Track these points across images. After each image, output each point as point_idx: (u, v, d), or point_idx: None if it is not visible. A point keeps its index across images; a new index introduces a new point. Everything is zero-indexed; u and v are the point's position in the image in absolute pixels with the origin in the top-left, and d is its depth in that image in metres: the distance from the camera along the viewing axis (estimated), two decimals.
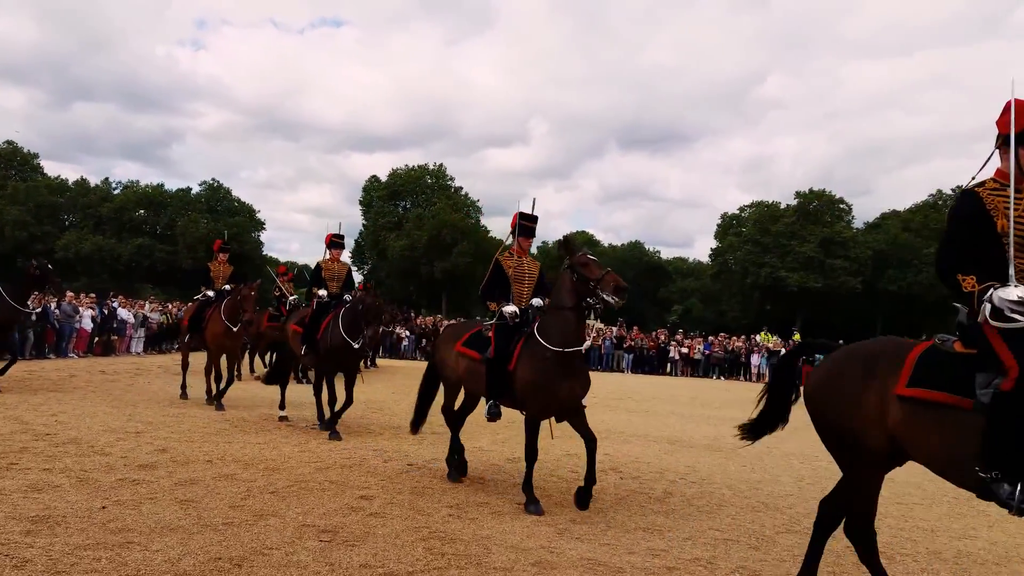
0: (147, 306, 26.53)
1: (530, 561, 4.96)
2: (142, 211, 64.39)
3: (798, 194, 59.91)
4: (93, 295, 24.75)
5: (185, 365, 13.10)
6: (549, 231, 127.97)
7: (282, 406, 10.86)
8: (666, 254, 75.26)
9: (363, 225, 65.62)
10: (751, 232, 59.72)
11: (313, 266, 11.20)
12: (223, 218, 62.91)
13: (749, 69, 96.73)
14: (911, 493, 8.45)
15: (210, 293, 12.78)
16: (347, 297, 10.24)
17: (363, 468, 7.72)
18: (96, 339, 22.09)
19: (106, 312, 22.80)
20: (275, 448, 8.46)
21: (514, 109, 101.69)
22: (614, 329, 36.31)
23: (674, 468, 9.01)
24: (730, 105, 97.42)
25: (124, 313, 23.76)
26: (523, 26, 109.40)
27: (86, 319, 21.48)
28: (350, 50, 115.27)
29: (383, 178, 66.23)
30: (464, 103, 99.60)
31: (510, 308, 6.98)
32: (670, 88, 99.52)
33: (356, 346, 9.51)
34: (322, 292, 10.34)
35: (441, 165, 66.36)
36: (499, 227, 72.98)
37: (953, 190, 57.96)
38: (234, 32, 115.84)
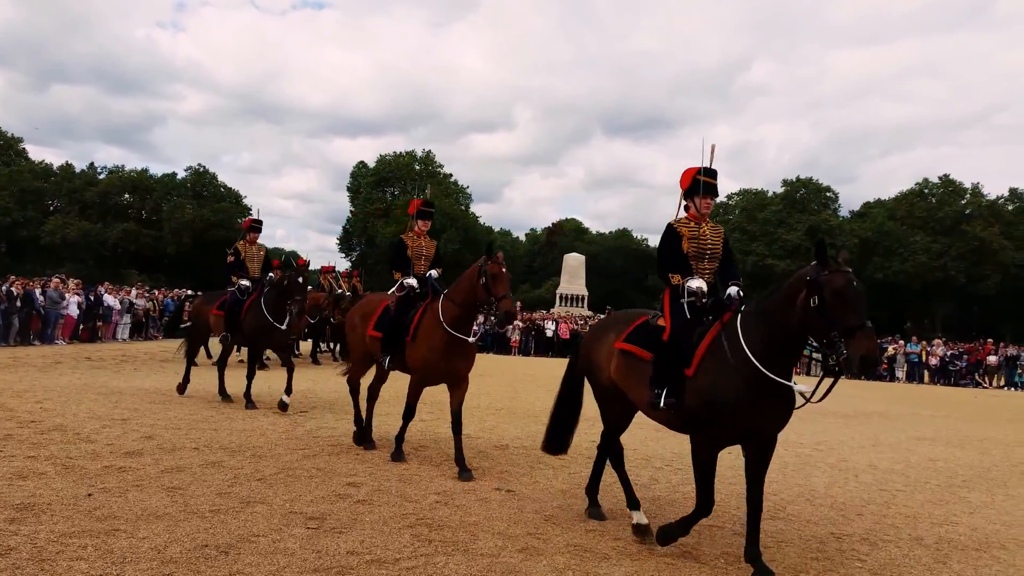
0: (132, 292, 26.36)
1: (517, 547, 5.00)
2: (127, 195, 63.93)
3: (785, 182, 60.16)
4: (79, 281, 24.57)
5: (366, 394, 8.67)
6: (537, 218, 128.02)
7: (634, 508, 5.90)
8: (653, 241, 75.28)
9: (351, 211, 65.45)
10: (738, 219, 59.96)
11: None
12: (209, 204, 62.57)
13: (734, 56, 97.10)
14: (894, 481, 8.55)
15: (411, 281, 8.06)
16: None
17: (350, 455, 7.72)
18: (81, 327, 21.93)
19: (92, 298, 22.65)
20: (262, 435, 8.45)
21: (498, 94, 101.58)
22: (602, 317, 36.39)
23: (660, 455, 9.06)
24: (715, 92, 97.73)
25: (110, 299, 23.60)
26: (507, 11, 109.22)
27: (72, 305, 21.33)
28: (332, 33, 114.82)
29: (371, 164, 66.06)
30: (448, 88, 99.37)
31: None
32: (655, 74, 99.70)
33: (792, 390, 4.90)
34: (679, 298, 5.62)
35: (430, 152, 66.34)
36: (486, 213, 73.13)
37: (940, 178, 58.41)
38: (214, 13, 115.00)
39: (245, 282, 11.00)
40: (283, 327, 10.52)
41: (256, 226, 11.61)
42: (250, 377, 10.75)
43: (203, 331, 12.26)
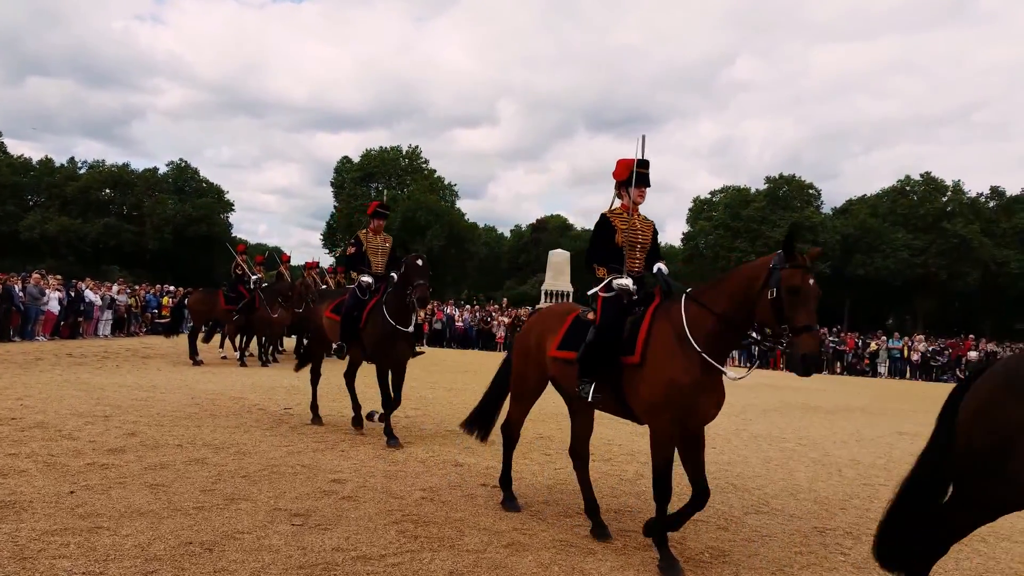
0: (114, 288, 26.15)
1: (503, 543, 5.00)
2: (108, 191, 63.31)
3: (768, 179, 60.48)
4: (59, 277, 24.34)
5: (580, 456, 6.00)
6: (521, 214, 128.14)
7: None
8: None
9: (335, 207, 65.11)
10: (722, 216, 60.24)
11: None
12: (191, 199, 62.12)
13: (717, 52, 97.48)
14: (876, 475, 8.62)
15: (625, 282, 5.43)
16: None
17: (335, 452, 7.69)
18: (62, 323, 21.71)
19: (73, 294, 22.44)
20: (246, 432, 8.40)
21: (482, 89, 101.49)
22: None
23: (645, 450, 9.05)
24: (698, 88, 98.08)
25: (91, 295, 23.39)
26: (489, 4, 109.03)
27: (53, 301, 21.12)
28: (313, 26, 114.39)
29: (355, 159, 65.78)
30: (431, 82, 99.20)
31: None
32: (637, 69, 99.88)
33: None
34: None
35: (416, 147, 66.10)
36: (470, 209, 73.12)
37: (922, 175, 58.93)
38: (193, 6, 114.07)
39: (367, 278, 8.97)
40: (409, 330, 8.62)
41: (381, 211, 9.49)
42: (387, 406, 8.58)
43: (319, 338, 9.93)
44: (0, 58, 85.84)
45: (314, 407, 9.64)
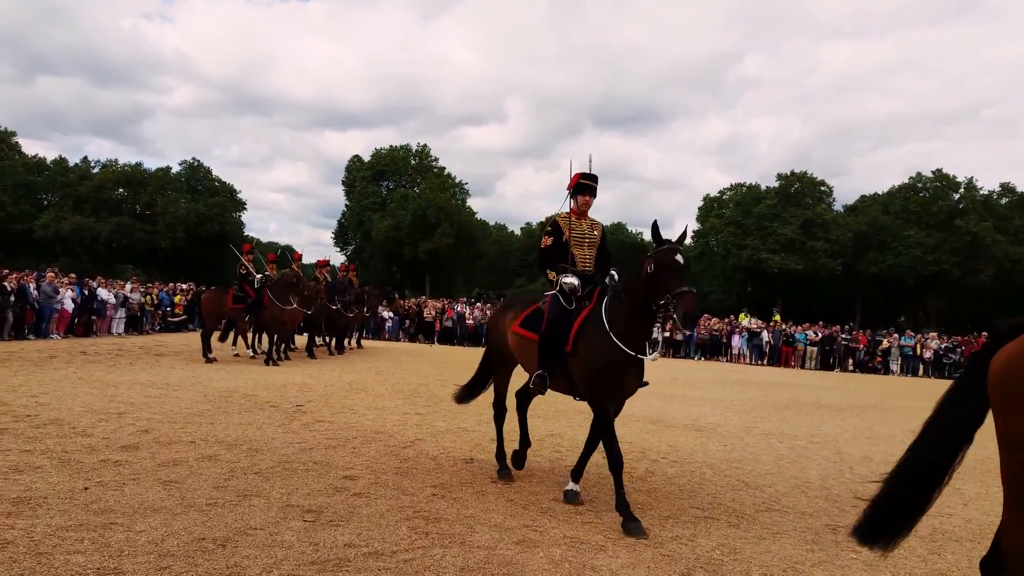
0: (127, 286, 26.30)
1: (513, 540, 5.01)
2: (121, 190, 63.69)
3: (779, 176, 60.22)
4: (73, 275, 24.51)
5: None
6: (529, 212, 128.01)
7: None
8: (648, 235, 75.19)
9: (346, 205, 65.33)
10: (733, 214, 60.05)
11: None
12: (204, 198, 62.42)
13: (724, 49, 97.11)
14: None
15: None
16: None
17: (347, 448, 7.72)
18: (76, 320, 21.86)
19: (86, 293, 22.59)
20: (258, 429, 8.45)
21: (488, 87, 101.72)
22: None
23: (655, 448, 9.09)
24: (703, 85, 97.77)
25: (104, 293, 23.54)
26: (494, 2, 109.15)
27: (66, 300, 21.28)
28: (319, 24, 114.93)
29: (366, 158, 65.98)
30: (437, 80, 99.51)
31: None
32: (642, 67, 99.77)
33: None
34: None
35: (425, 146, 66.26)
36: (479, 207, 73.28)
37: (933, 172, 58.59)
38: (200, 4, 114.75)
39: (571, 279, 6.37)
40: (649, 359, 5.84)
41: (587, 184, 6.70)
42: (523, 443, 6.89)
43: (504, 357, 7.12)
44: (9, 57, 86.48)
45: (500, 455, 7.12)
